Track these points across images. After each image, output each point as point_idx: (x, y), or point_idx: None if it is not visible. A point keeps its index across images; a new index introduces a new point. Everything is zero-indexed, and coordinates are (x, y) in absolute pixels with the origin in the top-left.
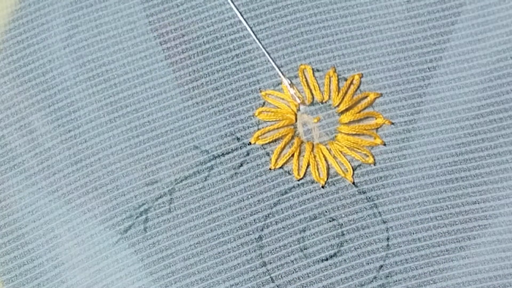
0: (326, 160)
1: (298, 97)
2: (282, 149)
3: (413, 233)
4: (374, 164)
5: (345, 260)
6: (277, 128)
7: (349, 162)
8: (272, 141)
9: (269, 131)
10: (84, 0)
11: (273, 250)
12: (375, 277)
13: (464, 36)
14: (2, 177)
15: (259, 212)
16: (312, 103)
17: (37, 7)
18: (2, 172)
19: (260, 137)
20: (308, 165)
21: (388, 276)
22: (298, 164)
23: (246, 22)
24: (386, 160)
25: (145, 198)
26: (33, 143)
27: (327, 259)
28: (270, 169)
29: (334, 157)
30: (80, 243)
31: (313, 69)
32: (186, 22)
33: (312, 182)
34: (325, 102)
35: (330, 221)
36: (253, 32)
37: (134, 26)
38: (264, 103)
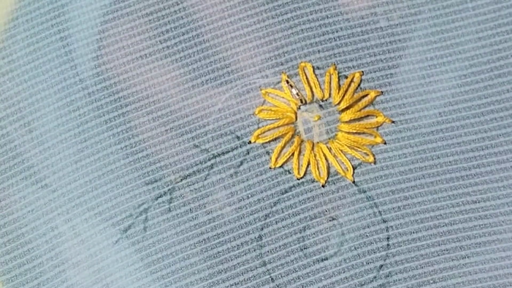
0: (326, 159)
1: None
2: (282, 148)
3: (413, 233)
4: (375, 163)
5: (345, 259)
6: (277, 127)
7: (349, 161)
8: (272, 140)
9: (269, 129)
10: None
11: (273, 249)
12: (375, 277)
13: (466, 33)
14: (2, 176)
15: (259, 211)
16: (312, 101)
17: (35, 6)
18: (2, 171)
19: (260, 136)
20: (308, 164)
21: (388, 276)
22: (298, 163)
23: None
24: (386, 159)
25: (145, 197)
26: (34, 142)
27: (327, 259)
28: (270, 168)
29: (335, 156)
30: (80, 242)
31: (313, 67)
32: (186, 20)
33: (312, 181)
34: (326, 100)
35: (330, 220)
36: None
37: (134, 24)
38: (264, 101)
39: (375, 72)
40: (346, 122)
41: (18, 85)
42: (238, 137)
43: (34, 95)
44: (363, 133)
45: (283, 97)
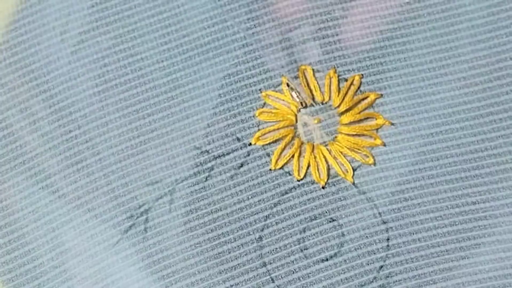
0: (326, 160)
1: (299, 98)
2: (283, 149)
3: (413, 234)
4: (374, 164)
5: (345, 260)
6: (278, 129)
7: (349, 162)
8: (273, 142)
9: (269, 131)
10: (82, 2)
11: (273, 250)
12: (375, 278)
13: (464, 36)
14: (3, 177)
15: (259, 212)
16: (312, 104)
17: (38, 8)
18: (3, 172)
19: (260, 138)
20: (309, 165)
21: (388, 277)
22: (299, 164)
23: None
24: (386, 161)
25: (146, 198)
26: (34, 143)
27: (327, 260)
28: (270, 169)
29: (335, 157)
30: (80, 243)
31: (313, 70)
32: (187, 23)
33: (313, 182)
34: (326, 103)
35: (330, 221)
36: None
37: (135, 27)
38: (264, 103)
39: (375, 75)
40: (346, 124)
41: (20, 87)
42: (238, 139)
43: (35, 96)
44: (363, 135)
45: (283, 100)
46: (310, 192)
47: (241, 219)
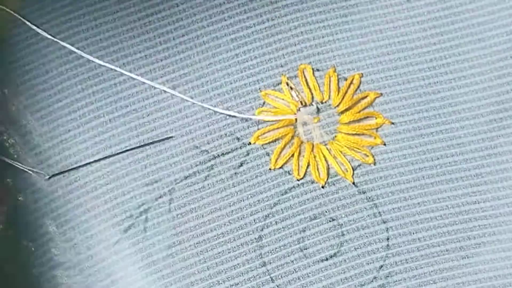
0: (326, 160)
1: (299, 98)
2: (282, 149)
3: (413, 233)
4: (374, 164)
5: (345, 260)
6: (277, 128)
7: (349, 162)
8: (272, 141)
9: (269, 131)
10: (82, 1)
11: (273, 250)
12: (375, 277)
13: (464, 35)
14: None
15: (259, 212)
16: (312, 103)
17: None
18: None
19: (260, 137)
20: (308, 165)
21: (388, 276)
22: (298, 164)
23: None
24: (386, 160)
25: (145, 198)
26: (33, 143)
27: (327, 259)
28: (270, 169)
29: (334, 157)
30: (80, 243)
31: (313, 69)
32: (186, 22)
33: (312, 182)
34: (325, 102)
35: (330, 221)
36: None
37: (132, 26)
38: (264, 103)
39: (374, 74)
40: (346, 123)
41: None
42: (238, 138)
43: (30, 98)
44: (363, 134)
45: (282, 99)
46: (310, 192)
47: (241, 219)
